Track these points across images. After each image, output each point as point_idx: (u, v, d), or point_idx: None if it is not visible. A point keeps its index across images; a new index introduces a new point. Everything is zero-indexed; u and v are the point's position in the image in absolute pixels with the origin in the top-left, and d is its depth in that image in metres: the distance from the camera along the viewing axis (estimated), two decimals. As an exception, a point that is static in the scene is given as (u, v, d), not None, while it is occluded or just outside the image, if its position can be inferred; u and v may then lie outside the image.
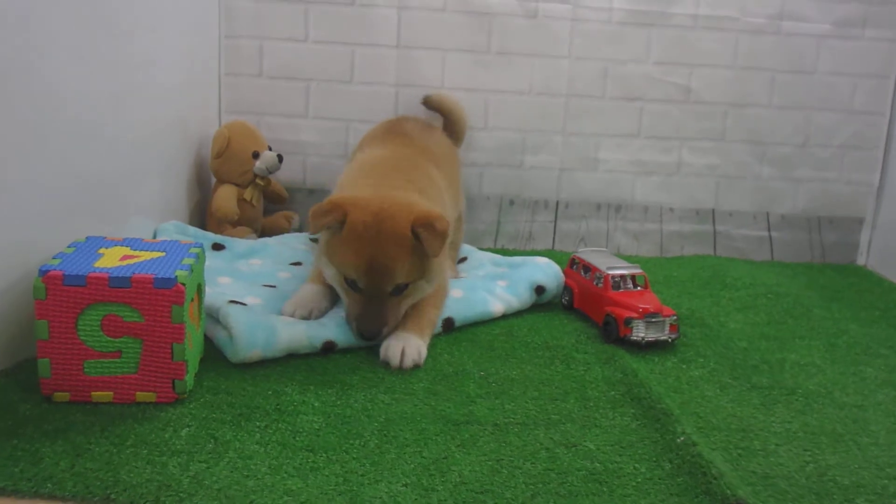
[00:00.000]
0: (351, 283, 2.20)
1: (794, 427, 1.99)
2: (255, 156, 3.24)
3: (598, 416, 1.99)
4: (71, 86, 2.23)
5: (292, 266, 2.84)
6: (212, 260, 2.79)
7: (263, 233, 3.39)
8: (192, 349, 1.89)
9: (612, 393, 2.12)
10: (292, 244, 3.11)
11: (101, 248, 1.93)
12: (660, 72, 3.54)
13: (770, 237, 3.69)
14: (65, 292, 1.72)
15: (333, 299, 2.47)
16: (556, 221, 3.65)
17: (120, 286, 1.74)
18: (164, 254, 1.93)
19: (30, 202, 2.01)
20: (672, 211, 3.67)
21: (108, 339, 1.77)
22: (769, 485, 1.72)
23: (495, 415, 1.95)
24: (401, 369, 2.14)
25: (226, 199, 3.15)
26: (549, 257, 2.95)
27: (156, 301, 1.76)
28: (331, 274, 2.26)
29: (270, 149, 3.31)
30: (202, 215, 3.35)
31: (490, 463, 1.72)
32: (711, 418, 2.01)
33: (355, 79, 3.52)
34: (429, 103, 3.43)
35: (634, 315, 2.42)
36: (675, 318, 2.46)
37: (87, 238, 2.01)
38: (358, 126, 3.47)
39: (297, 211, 3.55)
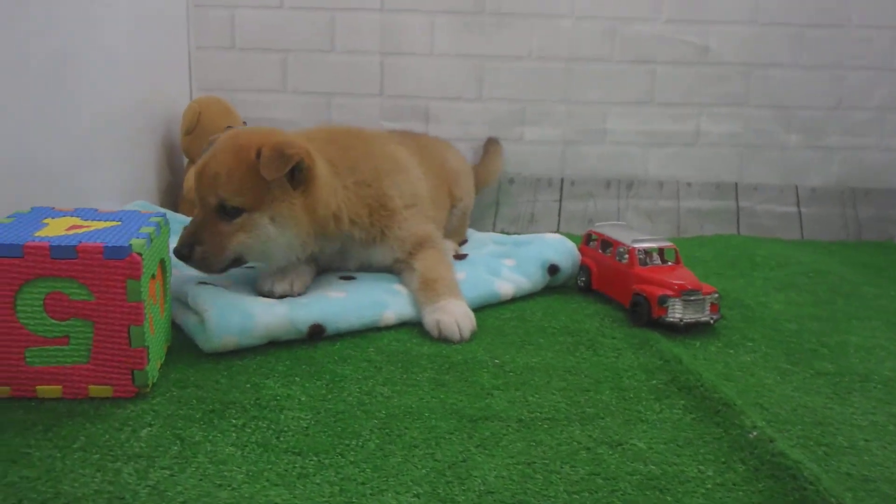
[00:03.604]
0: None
1: (880, 419, 1.64)
2: (229, 131, 2.90)
3: (640, 408, 1.65)
4: (14, 59, 1.96)
5: None
6: None
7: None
8: (154, 335, 1.63)
9: (653, 382, 1.77)
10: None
11: (46, 218, 1.68)
12: (673, 30, 3.22)
13: (799, 213, 3.36)
14: None
15: (314, 272, 2.23)
16: (560, 201, 3.32)
17: (64, 257, 1.48)
18: (119, 223, 1.67)
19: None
20: (690, 186, 3.35)
21: (54, 321, 1.51)
22: (871, 490, 1.36)
23: (518, 409, 1.62)
24: (462, 341, 1.98)
25: None
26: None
27: (107, 275, 1.50)
28: None
29: (245, 124, 2.97)
30: (174, 199, 3.05)
31: (519, 467, 1.40)
32: (778, 410, 1.66)
33: (336, 47, 3.21)
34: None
35: (670, 293, 2.06)
36: (716, 296, 2.11)
37: (31, 209, 1.76)
38: (340, 100, 3.19)
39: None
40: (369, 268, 2.32)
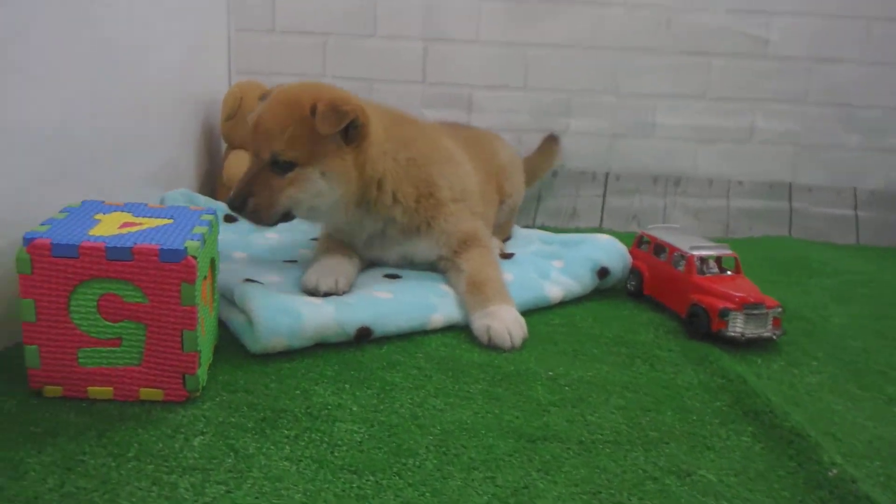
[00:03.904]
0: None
1: (966, 454, 1.52)
2: (270, 118, 2.80)
3: (705, 433, 1.54)
4: (58, 41, 1.87)
5: (314, 241, 2.44)
6: (224, 233, 2.43)
7: (281, 202, 2.97)
8: (205, 336, 1.59)
9: (717, 404, 1.65)
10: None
11: (97, 213, 1.64)
12: (732, 20, 3.08)
13: (856, 217, 3.22)
14: (54, 266, 1.44)
15: (359, 269, 2.18)
16: (604, 196, 3.20)
17: (119, 258, 1.45)
18: (171, 221, 1.63)
19: (14, 166, 1.71)
20: (741, 185, 3.21)
21: (107, 323, 1.48)
22: (967, 540, 1.24)
23: (577, 429, 1.52)
24: (513, 349, 1.88)
25: (238, 166, 2.74)
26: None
27: (162, 278, 1.46)
28: None
29: (288, 111, 2.88)
30: (213, 186, 2.97)
31: (585, 496, 1.30)
32: (853, 441, 1.54)
33: (378, 32, 3.10)
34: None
35: (731, 306, 1.94)
36: (779, 310, 1.99)
37: (81, 203, 1.72)
38: (381, 86, 3.08)
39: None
40: (411, 262, 2.23)
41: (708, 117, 3.14)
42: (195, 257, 1.46)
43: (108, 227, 1.53)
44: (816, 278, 2.61)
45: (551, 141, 3.11)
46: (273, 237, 2.50)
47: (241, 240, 2.42)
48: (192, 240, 1.49)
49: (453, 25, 3.07)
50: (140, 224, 1.58)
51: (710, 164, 3.19)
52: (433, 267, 2.21)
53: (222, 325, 1.87)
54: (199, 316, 1.51)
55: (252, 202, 1.95)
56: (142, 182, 2.39)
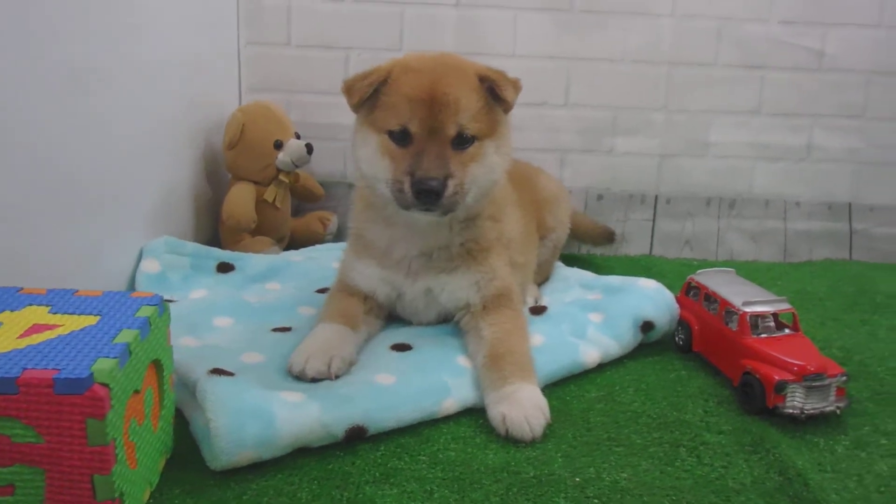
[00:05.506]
0: (399, 136, 1.81)
1: None
2: (278, 146, 2.62)
3: None
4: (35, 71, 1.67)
5: (319, 294, 2.21)
6: (215, 288, 2.23)
7: (293, 239, 2.80)
8: (138, 468, 1.31)
9: (774, 513, 1.46)
10: (324, 261, 2.46)
11: (4, 310, 1.37)
12: (787, 33, 2.90)
13: (922, 237, 3.04)
14: None
15: (360, 344, 1.92)
16: (654, 220, 3.03)
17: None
18: (96, 320, 1.34)
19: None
20: (799, 206, 3.04)
21: None
22: None
23: None
24: (534, 440, 1.64)
25: (240, 201, 2.54)
26: (647, 263, 2.58)
27: (59, 414, 1.17)
28: (367, 152, 1.86)
29: (298, 136, 2.69)
30: (215, 220, 2.73)
31: None
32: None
33: (406, 46, 2.92)
34: None
35: (790, 377, 1.75)
36: (843, 378, 1.79)
37: None
38: None
39: (335, 210, 2.93)
40: (432, 303, 2.00)
41: (764, 134, 2.96)
42: (107, 384, 1.17)
43: (4, 337, 1.26)
44: (884, 314, 2.42)
45: (608, 234, 2.88)
46: (274, 289, 2.27)
47: (232, 297, 2.16)
48: (108, 357, 1.20)
49: (488, 38, 2.89)
50: (52, 328, 1.29)
51: (766, 184, 3.01)
52: (451, 315, 2.01)
53: (184, 424, 1.61)
54: (123, 445, 1.24)
55: (452, 185, 1.75)
56: (129, 225, 2.17)
